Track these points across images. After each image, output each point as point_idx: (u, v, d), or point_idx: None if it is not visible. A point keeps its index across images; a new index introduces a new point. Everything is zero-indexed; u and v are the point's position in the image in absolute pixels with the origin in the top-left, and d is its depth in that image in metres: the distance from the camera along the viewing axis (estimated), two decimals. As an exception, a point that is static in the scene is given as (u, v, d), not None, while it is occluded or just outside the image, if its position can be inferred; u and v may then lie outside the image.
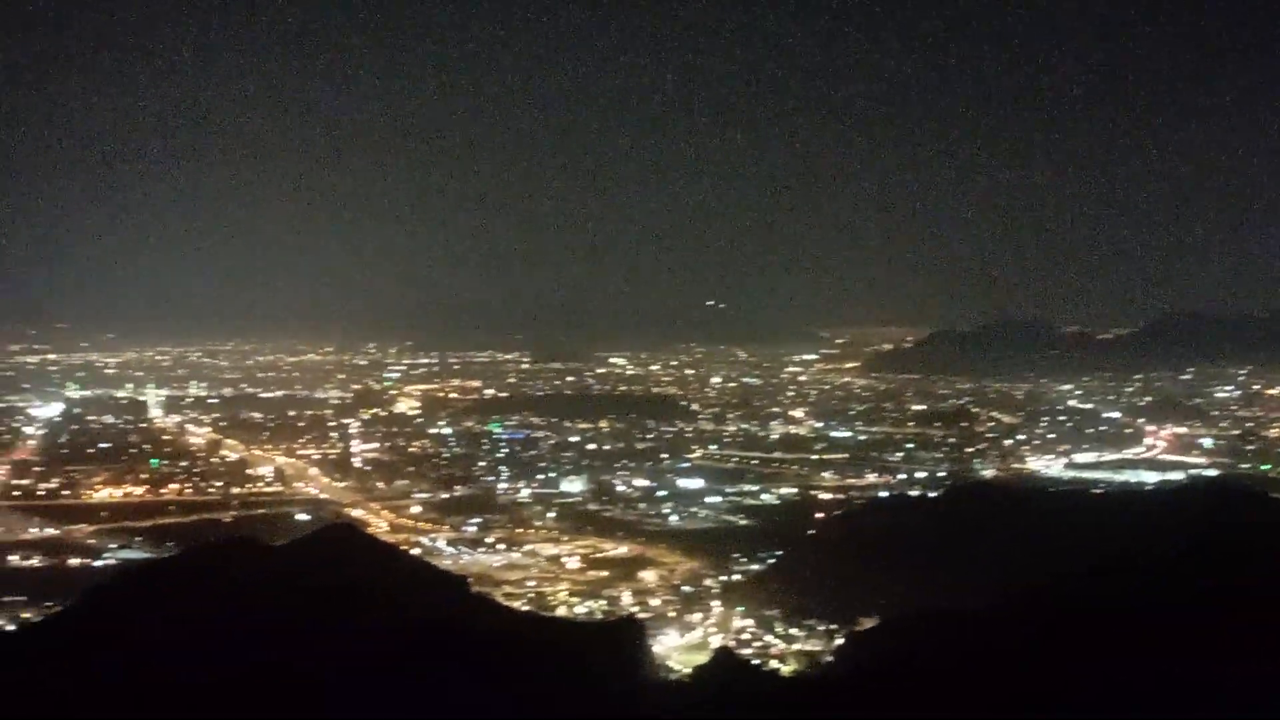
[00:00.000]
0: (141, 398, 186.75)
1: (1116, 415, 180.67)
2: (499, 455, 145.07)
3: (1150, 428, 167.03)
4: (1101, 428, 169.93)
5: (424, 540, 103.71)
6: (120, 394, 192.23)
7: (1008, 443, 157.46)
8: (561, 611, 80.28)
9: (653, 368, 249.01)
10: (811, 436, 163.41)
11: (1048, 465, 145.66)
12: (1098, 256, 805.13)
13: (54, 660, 29.66)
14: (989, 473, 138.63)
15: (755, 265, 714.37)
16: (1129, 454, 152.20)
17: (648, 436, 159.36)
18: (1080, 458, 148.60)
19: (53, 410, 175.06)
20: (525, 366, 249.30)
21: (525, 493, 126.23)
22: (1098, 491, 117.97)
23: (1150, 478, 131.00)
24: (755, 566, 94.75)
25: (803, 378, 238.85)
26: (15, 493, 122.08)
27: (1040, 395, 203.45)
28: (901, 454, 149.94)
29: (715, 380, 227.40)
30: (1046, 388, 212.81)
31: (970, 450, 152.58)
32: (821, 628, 74.90)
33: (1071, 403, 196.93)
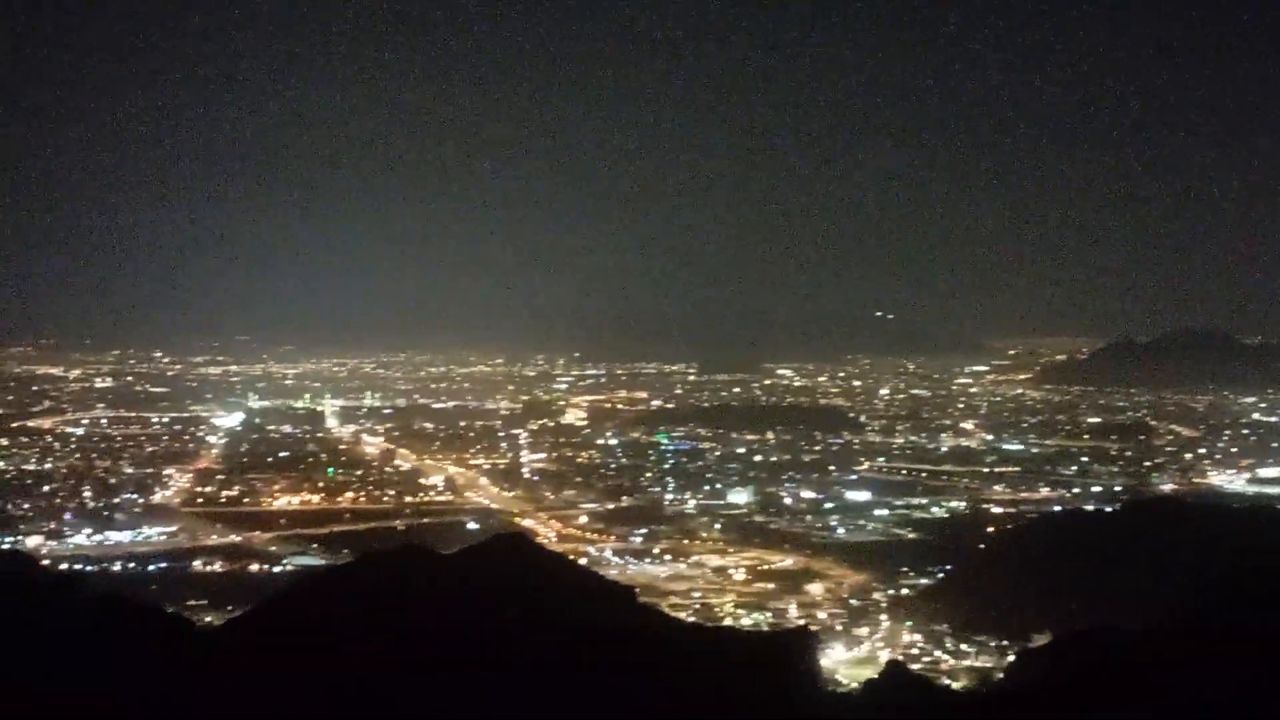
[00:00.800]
0: (318, 408, 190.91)
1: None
2: (665, 466, 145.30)
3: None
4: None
5: (591, 550, 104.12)
6: (298, 404, 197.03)
7: (1188, 457, 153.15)
8: (728, 623, 79.91)
9: (820, 379, 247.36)
10: (982, 449, 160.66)
11: (1230, 480, 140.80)
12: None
13: (233, 663, 30.33)
14: (1167, 487, 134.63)
15: (925, 276, 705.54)
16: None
17: (814, 448, 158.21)
18: (1265, 472, 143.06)
19: (234, 420, 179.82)
20: (692, 378, 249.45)
21: (691, 504, 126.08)
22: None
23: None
24: (924, 581, 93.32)
25: (973, 389, 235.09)
26: (199, 500, 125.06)
27: (1222, 408, 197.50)
28: (1076, 468, 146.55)
29: (883, 392, 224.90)
30: (1229, 400, 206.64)
31: (1148, 464, 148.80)
32: (993, 644, 73.43)
33: (1255, 416, 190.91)
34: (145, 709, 17.97)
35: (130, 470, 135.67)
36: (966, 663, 72.69)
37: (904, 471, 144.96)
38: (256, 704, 22.60)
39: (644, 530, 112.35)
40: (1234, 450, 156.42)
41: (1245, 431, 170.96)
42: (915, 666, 68.25)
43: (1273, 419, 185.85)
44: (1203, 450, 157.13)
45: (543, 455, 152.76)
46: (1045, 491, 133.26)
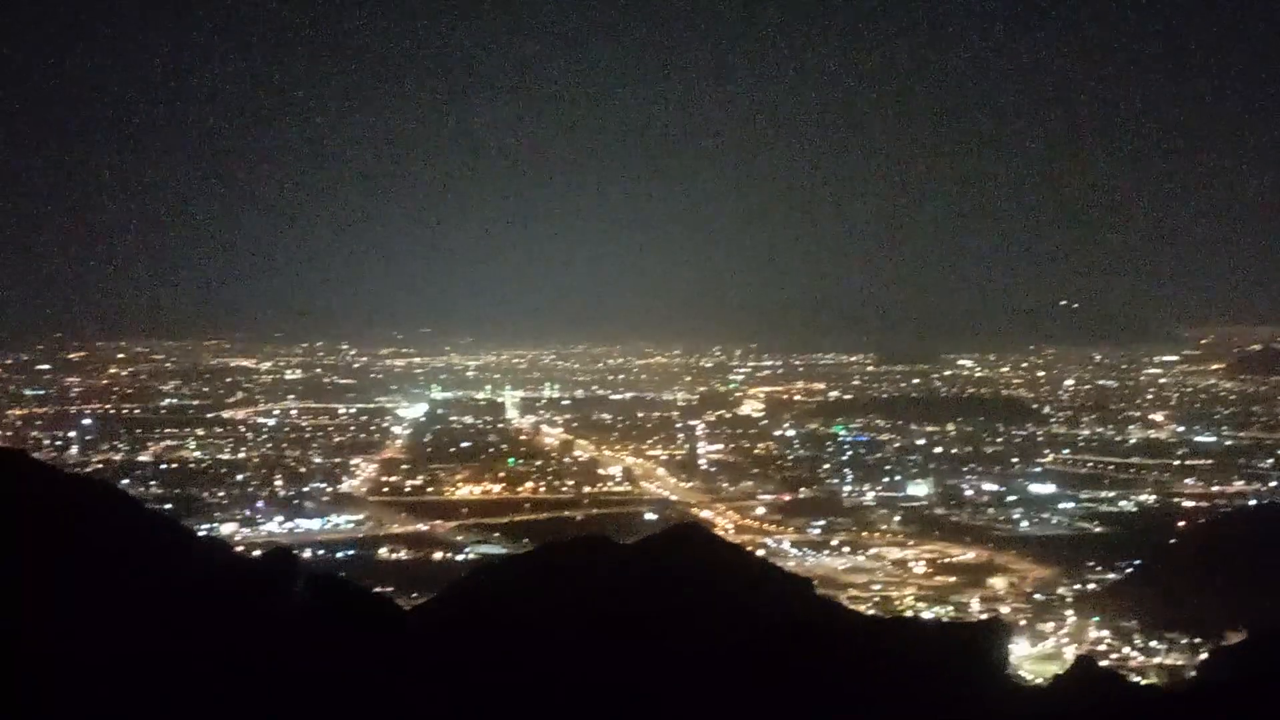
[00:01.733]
0: (499, 399, 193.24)
1: None
2: (843, 458, 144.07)
3: None
4: None
5: (768, 541, 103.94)
6: (479, 395, 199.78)
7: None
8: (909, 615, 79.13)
9: (1002, 369, 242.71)
10: (1173, 441, 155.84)
11: None
12: None
13: (420, 649, 30.91)
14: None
15: (1114, 263, 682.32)
16: None
17: (996, 440, 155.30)
18: None
19: (418, 411, 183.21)
20: (870, 369, 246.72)
21: (870, 496, 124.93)
22: None
23: None
24: (1112, 575, 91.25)
25: (1163, 380, 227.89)
26: (384, 489, 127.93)
27: None
28: (1272, 460, 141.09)
29: (1068, 383, 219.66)
30: None
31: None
32: (1184, 641, 71.49)
33: None
34: (361, 688, 18.54)
35: (319, 460, 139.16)
36: (1156, 660, 70.99)
37: (1090, 464, 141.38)
38: (449, 687, 23.05)
39: (822, 522, 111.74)
40: None
41: None
42: (1103, 663, 66.76)
43: None
44: None
45: (719, 446, 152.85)
46: (1239, 485, 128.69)
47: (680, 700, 29.66)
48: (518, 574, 46.18)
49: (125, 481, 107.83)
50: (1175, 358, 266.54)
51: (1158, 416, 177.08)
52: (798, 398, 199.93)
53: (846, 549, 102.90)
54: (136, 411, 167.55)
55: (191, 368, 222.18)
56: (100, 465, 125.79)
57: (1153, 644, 73.38)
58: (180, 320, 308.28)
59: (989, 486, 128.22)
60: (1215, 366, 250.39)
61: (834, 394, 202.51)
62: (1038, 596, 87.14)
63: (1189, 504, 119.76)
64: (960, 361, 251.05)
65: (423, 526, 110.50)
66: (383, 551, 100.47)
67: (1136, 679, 64.37)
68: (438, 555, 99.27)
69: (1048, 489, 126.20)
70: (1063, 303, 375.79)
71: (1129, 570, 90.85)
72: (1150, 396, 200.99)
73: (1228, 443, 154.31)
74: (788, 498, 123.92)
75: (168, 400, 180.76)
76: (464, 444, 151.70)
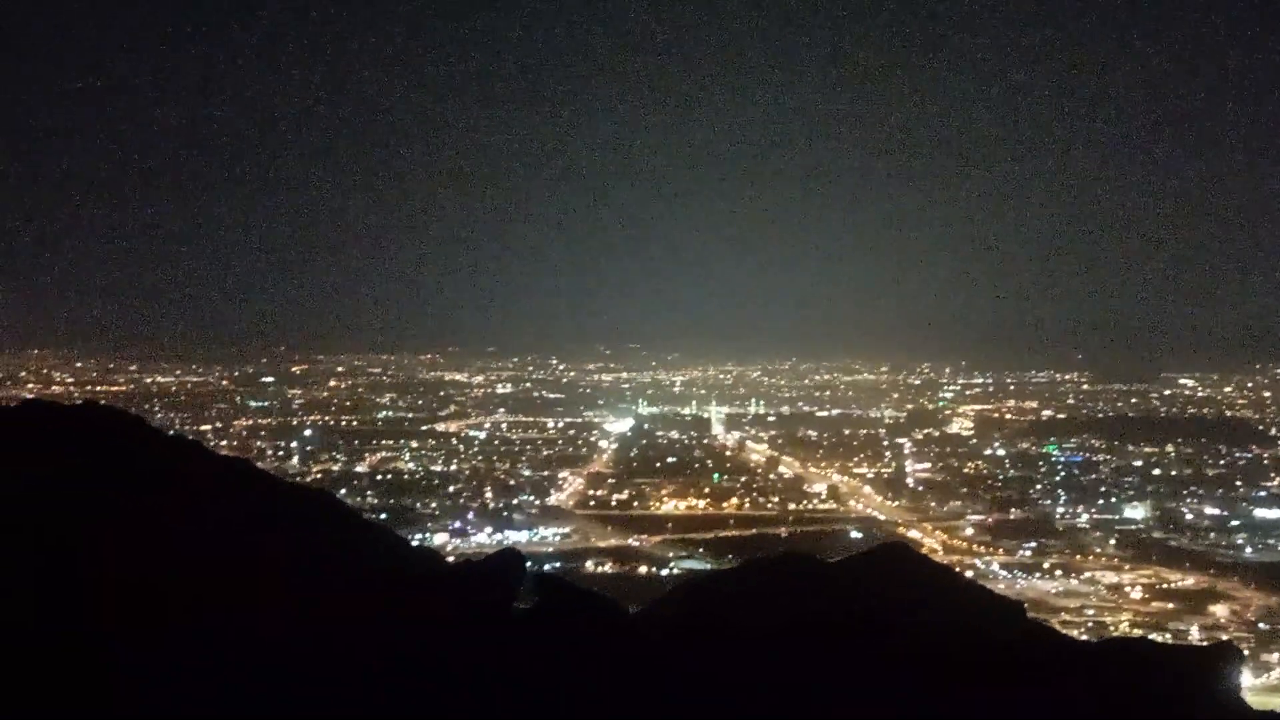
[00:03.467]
0: (704, 415, 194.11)
1: None
2: (1056, 478, 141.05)
3: None
4: None
5: (977, 563, 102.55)
6: (684, 411, 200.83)
7: None
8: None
9: (1226, 390, 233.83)
10: None
11: None
12: None
13: (640, 651, 31.33)
14: None
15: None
16: None
17: (1219, 462, 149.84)
18: None
19: (624, 425, 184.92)
20: (1085, 387, 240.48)
21: (1084, 518, 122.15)
22: None
23: None
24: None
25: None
26: (591, 502, 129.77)
27: None
28: None
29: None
30: None
31: None
32: None
33: None
34: (587, 682, 19.12)
35: (527, 473, 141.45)
36: (1391, 696, 68.03)
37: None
38: (662, 689, 23.51)
39: (1033, 544, 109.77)
40: None
41: None
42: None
43: None
44: None
45: (927, 465, 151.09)
46: None
47: (884, 714, 29.49)
48: (723, 589, 46.47)
49: (343, 491, 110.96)
50: None
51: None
52: (1009, 416, 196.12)
53: (1059, 572, 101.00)
54: (354, 423, 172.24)
55: (406, 381, 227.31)
56: (319, 475, 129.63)
57: (1387, 678, 70.46)
58: (396, 335, 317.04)
59: (1210, 510, 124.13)
60: None
61: (1047, 412, 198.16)
62: (1262, 626, 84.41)
63: None
64: (1181, 381, 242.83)
65: (629, 541, 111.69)
66: (589, 564, 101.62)
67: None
68: (642, 569, 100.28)
69: (1275, 514, 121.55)
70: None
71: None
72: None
73: None
74: (997, 518, 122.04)
75: (384, 413, 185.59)
76: (669, 459, 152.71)
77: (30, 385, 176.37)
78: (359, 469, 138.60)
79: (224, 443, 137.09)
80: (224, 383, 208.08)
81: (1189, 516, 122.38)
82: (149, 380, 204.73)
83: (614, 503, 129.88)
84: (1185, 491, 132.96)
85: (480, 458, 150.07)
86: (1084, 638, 71.22)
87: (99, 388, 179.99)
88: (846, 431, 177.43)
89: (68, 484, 19.26)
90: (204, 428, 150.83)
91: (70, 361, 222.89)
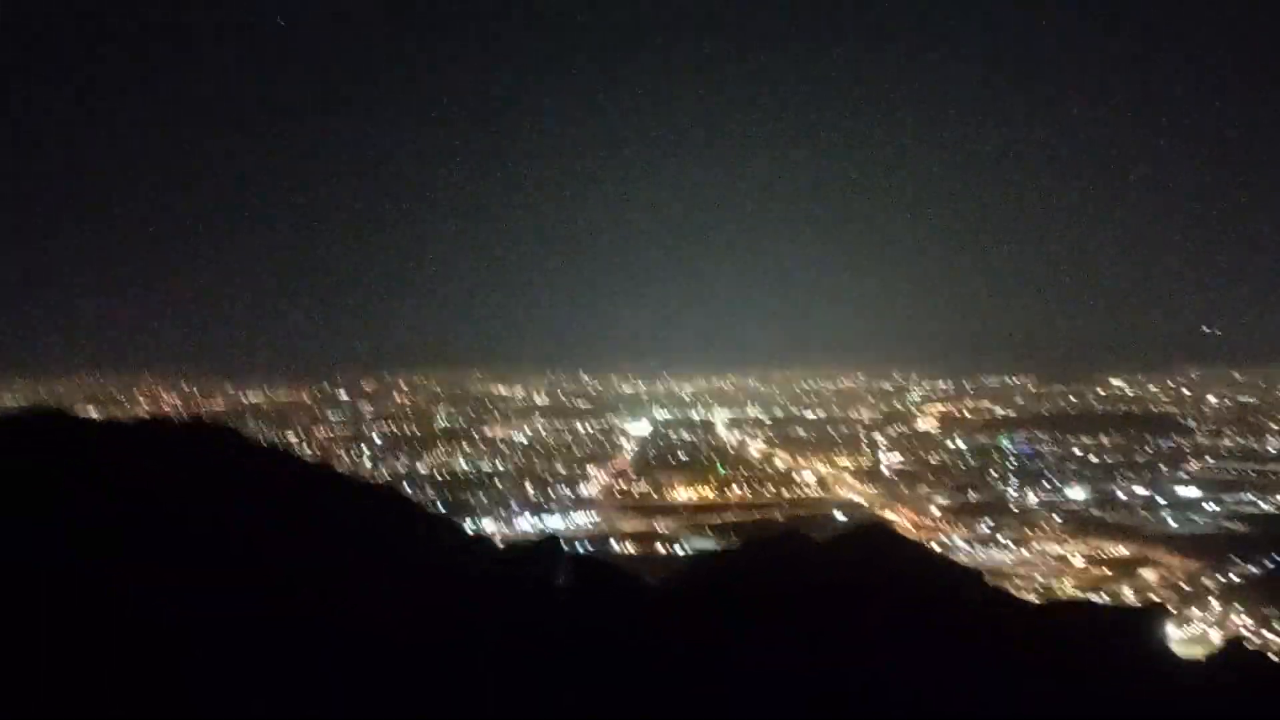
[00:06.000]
0: (710, 418, 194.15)
1: None
2: (1008, 466, 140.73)
3: None
4: None
5: (943, 538, 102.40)
6: (694, 415, 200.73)
7: None
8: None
9: (1151, 389, 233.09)
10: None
11: None
12: None
13: (663, 617, 31.41)
14: None
15: (1253, 289, 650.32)
16: None
17: (1146, 450, 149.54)
18: None
19: (643, 428, 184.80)
20: (1031, 389, 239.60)
21: (1032, 499, 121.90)
22: None
23: None
24: (1254, 570, 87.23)
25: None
26: (615, 493, 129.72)
27: None
28: None
29: (1211, 399, 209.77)
30: None
31: None
32: (1323, 629, 68.24)
33: None
34: (618, 645, 19.34)
35: (561, 470, 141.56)
36: (1297, 645, 67.89)
37: (1232, 471, 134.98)
38: (682, 651, 23.65)
39: (989, 522, 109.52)
40: None
41: None
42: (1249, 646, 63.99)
43: None
44: None
45: (899, 456, 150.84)
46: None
47: (870, 668, 29.64)
48: (729, 565, 46.54)
49: (407, 488, 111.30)
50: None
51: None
52: (967, 414, 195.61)
53: (1012, 545, 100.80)
54: (415, 430, 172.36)
55: (459, 394, 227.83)
56: (388, 475, 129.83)
57: (1293, 631, 70.20)
58: (450, 354, 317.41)
59: (1140, 491, 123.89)
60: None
61: (1000, 411, 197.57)
62: (1185, 587, 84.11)
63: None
64: (1113, 382, 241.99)
65: (648, 525, 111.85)
66: (614, 545, 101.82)
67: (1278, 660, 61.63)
68: (660, 549, 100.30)
69: (1193, 493, 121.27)
70: (1204, 329, 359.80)
71: (1271, 565, 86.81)
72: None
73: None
74: (959, 500, 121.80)
75: (441, 422, 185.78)
76: (681, 456, 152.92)
77: (143, 404, 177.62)
78: (420, 469, 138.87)
79: (306, 450, 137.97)
80: (304, 399, 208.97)
81: (1121, 496, 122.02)
82: (242, 399, 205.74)
83: (635, 494, 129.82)
84: (1118, 475, 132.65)
85: (521, 458, 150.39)
86: (1034, 600, 71.37)
87: (201, 406, 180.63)
88: (830, 430, 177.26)
89: (190, 487, 19.52)
90: (290, 437, 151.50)
91: (176, 384, 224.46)
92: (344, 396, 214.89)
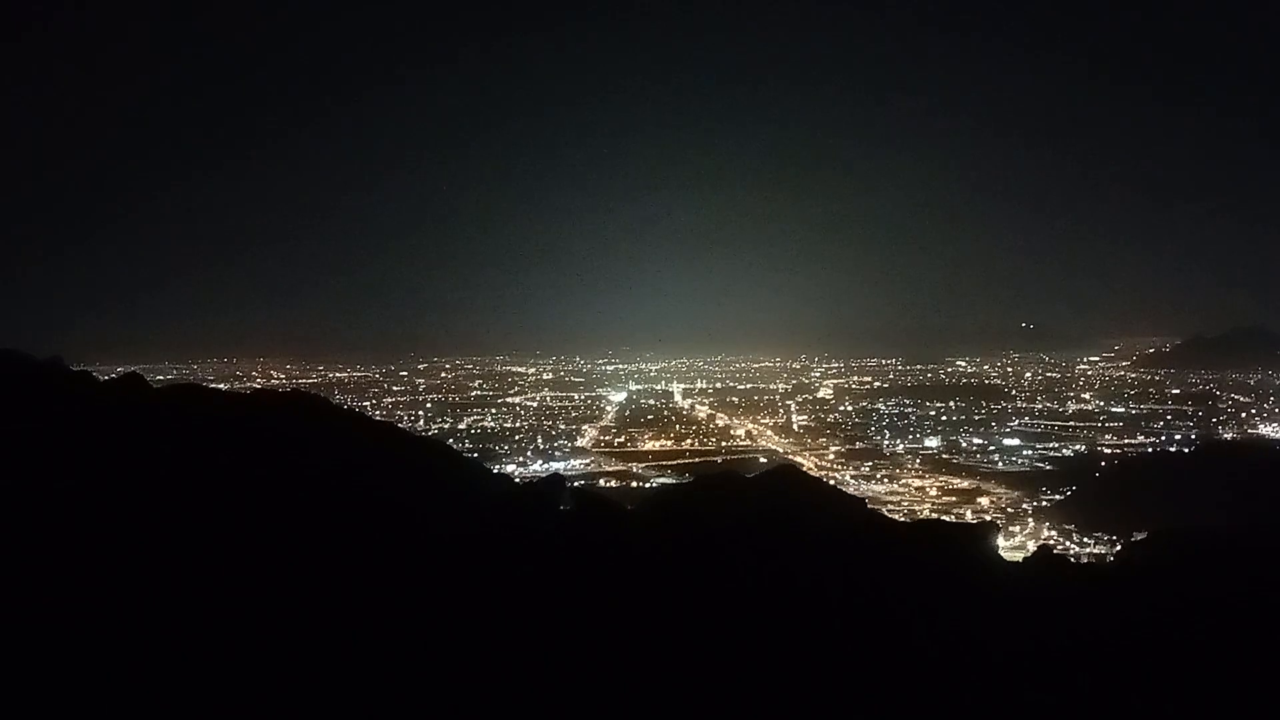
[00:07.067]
0: (669, 389, 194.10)
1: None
2: (883, 423, 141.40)
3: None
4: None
5: (836, 475, 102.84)
6: (658, 387, 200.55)
7: (1243, 416, 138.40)
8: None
9: (984, 368, 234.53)
10: (1097, 411, 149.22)
11: (1274, 430, 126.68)
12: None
13: (635, 535, 31.38)
14: (1229, 435, 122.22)
15: (1058, 293, 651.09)
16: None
17: (981, 411, 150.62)
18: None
19: (620, 397, 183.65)
20: (900, 367, 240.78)
21: (900, 447, 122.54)
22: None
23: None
24: (1058, 496, 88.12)
25: (1089, 372, 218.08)
26: (602, 444, 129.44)
27: (1269, 384, 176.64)
28: (1162, 423, 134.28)
29: (1027, 375, 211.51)
30: (1274, 378, 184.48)
31: (1214, 421, 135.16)
32: (1106, 538, 69.00)
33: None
34: (603, 555, 19.46)
35: (563, 426, 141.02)
36: (1088, 550, 68.56)
37: (1042, 426, 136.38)
38: (655, 557, 23.67)
39: (869, 464, 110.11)
40: (1277, 411, 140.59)
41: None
42: (1054, 551, 64.58)
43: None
44: (1254, 412, 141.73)
45: (805, 417, 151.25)
46: (1141, 438, 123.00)
47: (797, 566, 29.72)
48: (684, 494, 46.57)
49: (451, 440, 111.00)
50: (1097, 358, 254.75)
51: (1086, 395, 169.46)
52: (854, 386, 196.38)
53: (885, 480, 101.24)
54: (456, 399, 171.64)
55: (488, 372, 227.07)
56: (436, 431, 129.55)
57: (1085, 540, 70.90)
58: (481, 342, 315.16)
59: (977, 440, 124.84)
60: (1124, 363, 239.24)
61: (877, 384, 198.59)
62: (1009, 509, 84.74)
63: (1108, 450, 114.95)
64: (958, 362, 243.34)
65: (625, 466, 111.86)
66: (602, 482, 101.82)
67: (1074, 560, 62.32)
68: (634, 484, 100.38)
69: (1015, 442, 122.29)
70: (1023, 324, 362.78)
71: (1069, 492, 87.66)
72: (1081, 383, 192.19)
73: (1133, 411, 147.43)
74: (848, 448, 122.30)
75: (474, 392, 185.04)
76: (649, 417, 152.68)
77: (258, 379, 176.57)
78: (460, 427, 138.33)
79: (377, 413, 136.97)
80: (376, 375, 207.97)
81: (963, 444, 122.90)
82: (330, 374, 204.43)
83: (616, 444, 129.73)
84: (961, 429, 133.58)
85: (533, 418, 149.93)
86: (902, 519, 71.81)
87: (300, 380, 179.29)
88: (755, 398, 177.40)
89: (292, 444, 19.40)
90: (365, 403, 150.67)
91: (282, 363, 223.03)
92: (404, 373, 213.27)
